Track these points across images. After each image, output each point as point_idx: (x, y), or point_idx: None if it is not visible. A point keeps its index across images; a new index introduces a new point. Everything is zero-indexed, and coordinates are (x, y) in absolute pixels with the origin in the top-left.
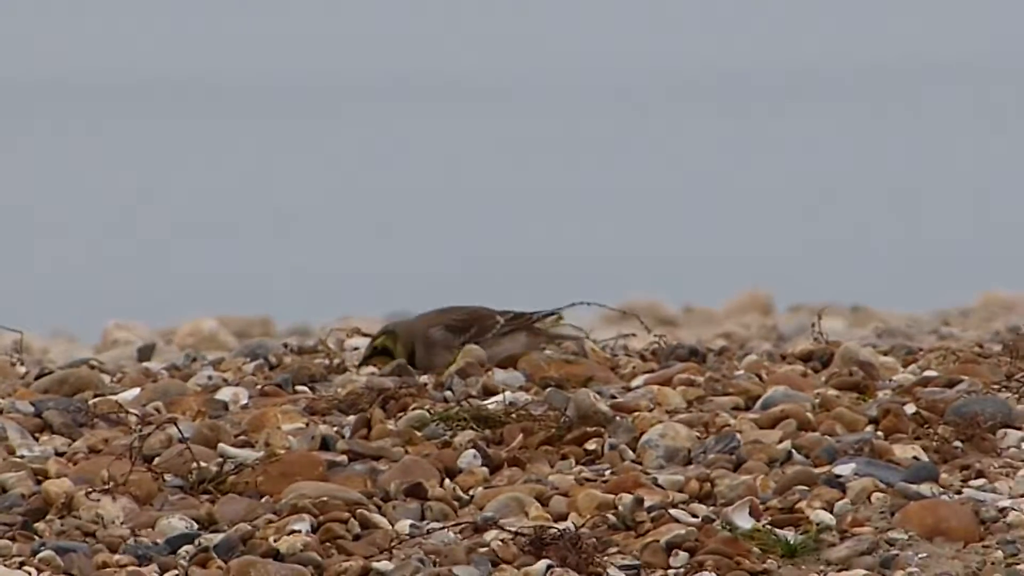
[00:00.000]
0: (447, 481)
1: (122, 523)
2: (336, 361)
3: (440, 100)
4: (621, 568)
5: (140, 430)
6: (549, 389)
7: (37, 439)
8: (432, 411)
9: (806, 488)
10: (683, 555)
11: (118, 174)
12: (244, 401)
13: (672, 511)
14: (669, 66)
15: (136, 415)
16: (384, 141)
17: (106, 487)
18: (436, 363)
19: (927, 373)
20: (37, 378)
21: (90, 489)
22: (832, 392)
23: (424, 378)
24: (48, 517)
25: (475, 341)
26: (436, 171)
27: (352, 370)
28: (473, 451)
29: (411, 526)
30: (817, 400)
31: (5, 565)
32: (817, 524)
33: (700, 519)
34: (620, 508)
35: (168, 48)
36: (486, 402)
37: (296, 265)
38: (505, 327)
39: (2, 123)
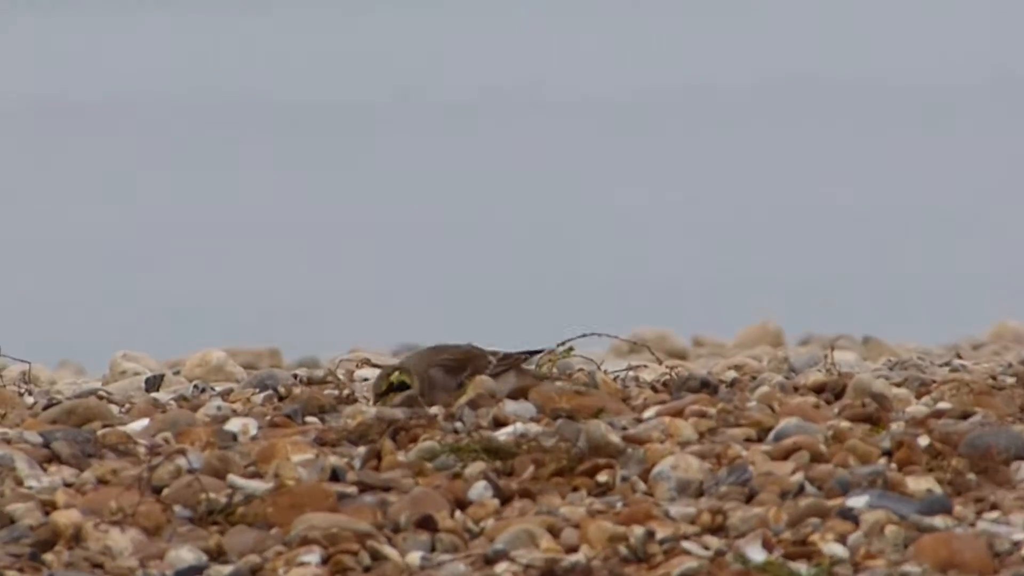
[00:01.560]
0: (458, 513)
1: (131, 554)
2: (346, 392)
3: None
4: None
5: (149, 461)
6: (560, 420)
7: (45, 470)
8: (442, 442)
9: (819, 520)
10: None
11: (112, 203)
12: (253, 432)
13: (684, 543)
14: (649, 82)
15: (145, 446)
16: (378, 168)
17: (115, 518)
18: (433, 404)
19: (940, 405)
20: (45, 408)
21: (99, 520)
22: (845, 424)
23: (434, 409)
24: (56, 548)
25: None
26: (440, 196)
27: (363, 401)
28: (484, 483)
29: (421, 558)
30: (830, 432)
31: None
32: (830, 557)
33: (712, 551)
34: (632, 540)
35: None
36: (497, 433)
37: (304, 295)
38: (497, 367)
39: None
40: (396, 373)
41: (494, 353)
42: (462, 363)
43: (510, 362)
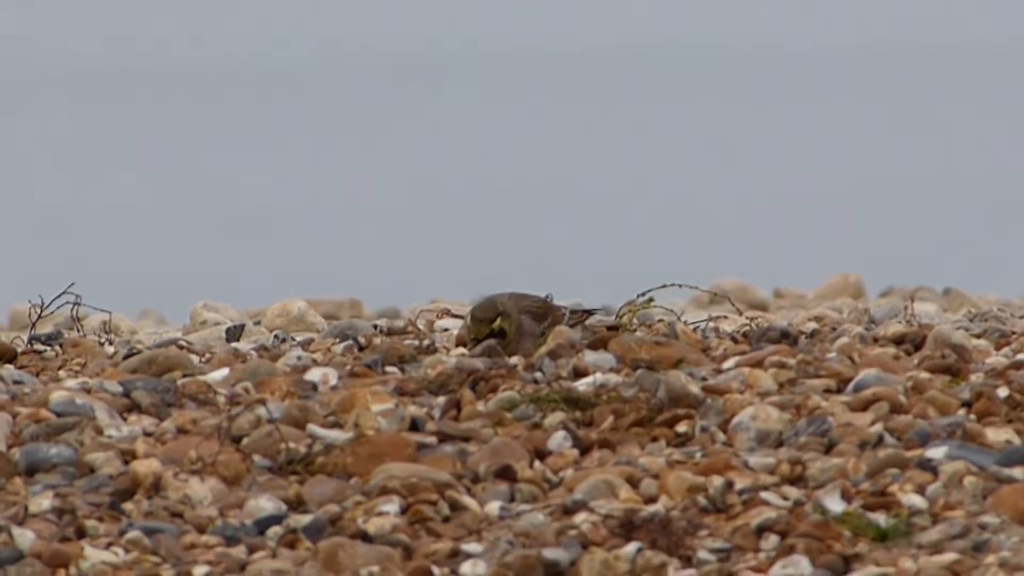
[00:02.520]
0: (537, 463)
1: (210, 504)
2: (426, 342)
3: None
4: (711, 551)
5: (229, 410)
6: (640, 371)
7: (125, 419)
8: (522, 392)
9: (898, 471)
10: (774, 538)
11: (196, 160)
12: (333, 382)
13: (763, 494)
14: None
15: (224, 395)
16: (457, 125)
17: (194, 468)
18: (519, 349)
19: (1020, 356)
20: (125, 358)
21: (178, 470)
22: (924, 375)
23: (514, 360)
24: (136, 497)
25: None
26: (517, 155)
27: (442, 351)
28: (563, 433)
29: (500, 508)
30: (909, 383)
31: (93, 545)
32: (909, 508)
33: (791, 502)
34: (711, 491)
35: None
36: (576, 383)
37: (384, 249)
38: (571, 320)
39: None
40: (499, 320)
41: (564, 307)
42: (544, 312)
43: (578, 317)
